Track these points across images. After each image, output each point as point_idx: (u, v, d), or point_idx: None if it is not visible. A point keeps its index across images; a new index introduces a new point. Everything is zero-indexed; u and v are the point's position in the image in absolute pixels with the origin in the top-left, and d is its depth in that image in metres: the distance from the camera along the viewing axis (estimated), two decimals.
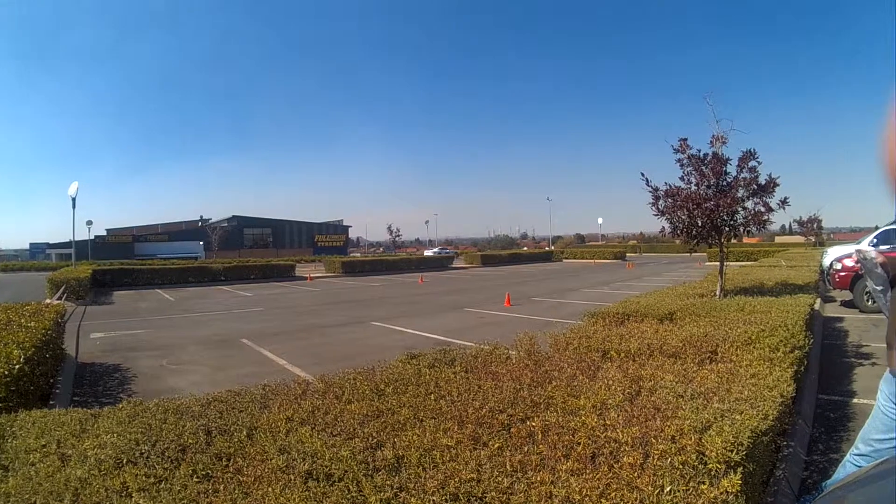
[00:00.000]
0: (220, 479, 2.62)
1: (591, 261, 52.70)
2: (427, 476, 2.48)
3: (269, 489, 2.43)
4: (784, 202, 8.95)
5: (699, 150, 9.26)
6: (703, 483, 2.36)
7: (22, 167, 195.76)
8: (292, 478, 2.56)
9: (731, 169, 9.08)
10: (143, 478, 2.66)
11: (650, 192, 9.39)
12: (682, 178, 9.30)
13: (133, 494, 2.51)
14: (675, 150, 9.38)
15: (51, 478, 2.73)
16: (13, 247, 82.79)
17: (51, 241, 71.68)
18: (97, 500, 2.48)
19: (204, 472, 2.72)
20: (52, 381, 7.21)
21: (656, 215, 9.39)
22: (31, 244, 75.75)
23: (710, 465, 2.51)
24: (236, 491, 2.48)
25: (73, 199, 28.75)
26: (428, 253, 63.95)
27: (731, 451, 2.58)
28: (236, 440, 3.12)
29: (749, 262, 27.24)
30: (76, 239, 31.48)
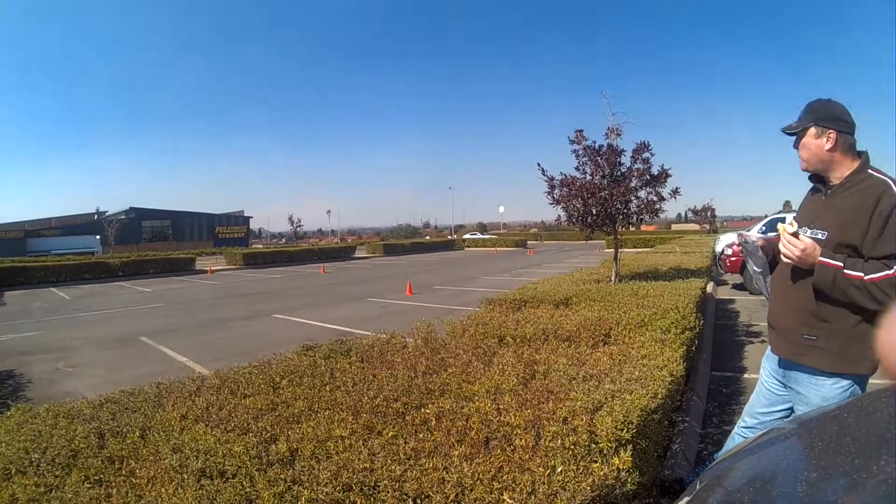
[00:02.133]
0: (113, 483, 2.51)
1: (493, 249, 53.36)
2: (321, 468, 2.43)
3: (163, 490, 2.35)
4: (675, 192, 9.27)
5: (595, 142, 9.48)
6: (595, 461, 2.40)
7: None
8: (185, 477, 2.47)
9: (626, 160, 9.34)
10: (34, 487, 2.52)
11: (546, 181, 9.56)
12: (577, 169, 9.51)
13: None
14: (571, 141, 9.58)
15: None
16: None
17: None
18: None
19: (96, 477, 2.61)
20: None
21: (552, 204, 9.58)
22: None
23: (602, 444, 2.55)
24: (129, 494, 2.38)
25: None
26: (467, 236, 66.38)
27: (622, 430, 2.64)
28: (129, 442, 2.98)
29: (646, 249, 28.19)
30: None
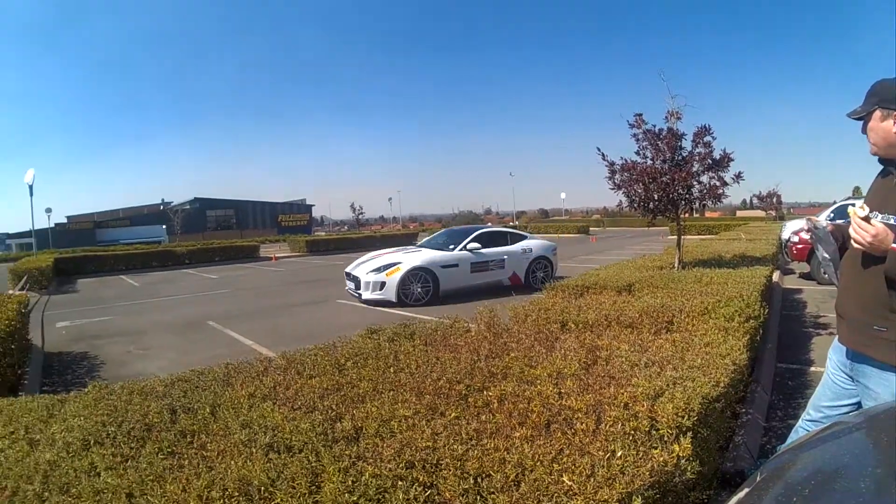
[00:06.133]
0: (185, 455, 2.65)
1: (556, 235, 52.71)
2: (384, 445, 2.53)
3: (232, 462, 2.47)
4: (738, 176, 9.09)
5: (654, 126, 9.35)
6: (655, 448, 2.42)
7: None
8: (254, 451, 2.60)
9: (687, 144, 9.19)
10: (111, 457, 2.69)
11: (606, 166, 9.49)
12: (637, 153, 9.41)
13: (101, 473, 2.53)
14: (630, 125, 9.47)
15: (20, 462, 2.75)
16: None
17: (10, 231, 69.21)
18: (66, 481, 2.49)
19: (169, 449, 2.76)
20: (19, 371, 7.16)
21: (613, 189, 9.50)
22: None
23: (662, 431, 2.58)
24: (200, 465, 2.51)
25: (31, 187, 28.31)
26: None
27: (682, 417, 2.65)
28: (200, 417, 3.15)
29: (710, 236, 27.63)
30: (36, 227, 30.82)
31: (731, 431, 4.25)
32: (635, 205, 9.40)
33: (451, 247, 14.22)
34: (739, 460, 3.87)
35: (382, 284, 13.08)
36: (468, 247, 14.05)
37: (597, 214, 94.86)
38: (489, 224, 14.04)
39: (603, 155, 9.51)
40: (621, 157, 9.48)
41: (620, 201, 9.66)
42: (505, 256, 14.27)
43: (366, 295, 13.26)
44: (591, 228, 58.14)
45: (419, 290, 13.17)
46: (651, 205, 9.25)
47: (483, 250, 14.11)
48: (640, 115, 9.41)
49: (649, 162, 9.26)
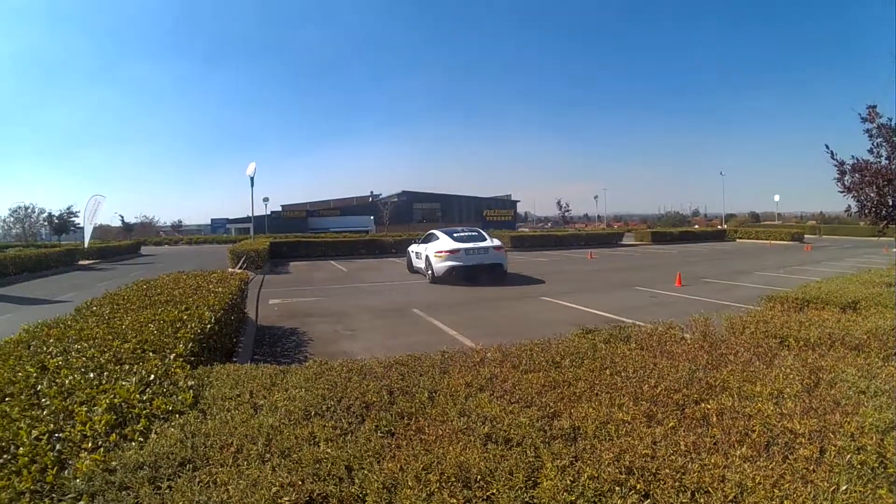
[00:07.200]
0: (403, 436, 2.88)
1: (767, 241, 49.23)
2: (603, 448, 2.62)
3: (450, 448, 2.63)
4: None
5: (890, 120, 8.62)
6: (882, 488, 2.32)
7: (204, 150, 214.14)
8: (472, 439, 2.77)
9: None
10: (330, 429, 2.96)
11: (835, 166, 8.87)
12: (870, 151, 8.72)
13: (320, 444, 2.78)
14: (862, 119, 8.79)
15: (245, 423, 3.09)
16: (196, 222, 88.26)
17: (230, 217, 76.79)
18: (287, 446, 2.77)
19: (387, 429, 3.00)
20: (235, 340, 7.88)
21: (842, 192, 8.86)
22: (212, 219, 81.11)
23: (891, 470, 2.46)
24: (418, 447, 2.69)
25: (252, 179, 31.61)
26: None
27: None
28: (417, 401, 3.39)
29: None
30: (254, 214, 33.88)
31: None
32: (866, 210, 8.72)
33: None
34: None
35: None
36: (416, 241, 20.92)
37: (812, 220, 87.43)
38: (434, 230, 17.23)
39: (832, 153, 8.89)
40: (852, 157, 8.84)
41: (849, 206, 9.03)
42: (417, 252, 19.84)
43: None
44: (805, 236, 53.57)
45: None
46: (884, 211, 8.54)
47: (420, 244, 19.72)
48: (874, 107, 8.70)
49: (884, 162, 8.56)
